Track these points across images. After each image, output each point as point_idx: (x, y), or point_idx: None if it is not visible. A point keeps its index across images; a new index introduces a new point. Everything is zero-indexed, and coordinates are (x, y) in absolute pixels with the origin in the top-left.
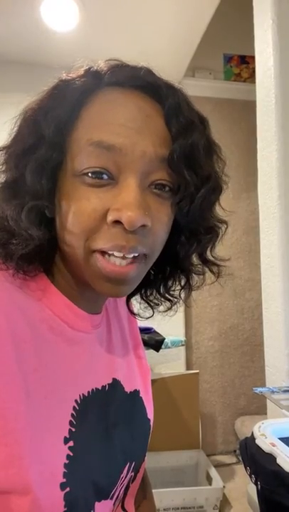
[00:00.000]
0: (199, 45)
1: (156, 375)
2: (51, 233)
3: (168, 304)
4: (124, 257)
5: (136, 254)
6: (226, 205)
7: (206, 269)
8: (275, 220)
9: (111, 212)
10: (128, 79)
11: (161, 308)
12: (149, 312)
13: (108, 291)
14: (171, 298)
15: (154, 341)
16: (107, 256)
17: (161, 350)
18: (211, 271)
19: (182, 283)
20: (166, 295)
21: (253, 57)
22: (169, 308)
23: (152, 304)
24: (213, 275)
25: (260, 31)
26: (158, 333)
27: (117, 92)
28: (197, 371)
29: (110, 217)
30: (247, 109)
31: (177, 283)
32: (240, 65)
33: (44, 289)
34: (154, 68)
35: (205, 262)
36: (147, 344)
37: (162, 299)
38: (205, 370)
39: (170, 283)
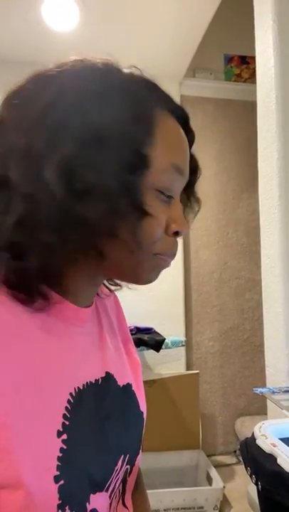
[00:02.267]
0: (200, 46)
1: (157, 375)
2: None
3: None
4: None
5: None
6: (226, 206)
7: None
8: (275, 221)
9: (173, 226)
10: (177, 109)
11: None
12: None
13: (152, 279)
14: None
15: (154, 341)
16: (164, 255)
17: (161, 350)
18: (190, 206)
19: None
20: None
21: (253, 58)
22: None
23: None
24: (192, 211)
25: (261, 32)
26: (158, 333)
27: (173, 120)
28: (197, 371)
29: (173, 230)
30: (247, 110)
31: None
32: (241, 66)
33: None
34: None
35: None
36: (147, 344)
37: None
38: (205, 371)
39: None
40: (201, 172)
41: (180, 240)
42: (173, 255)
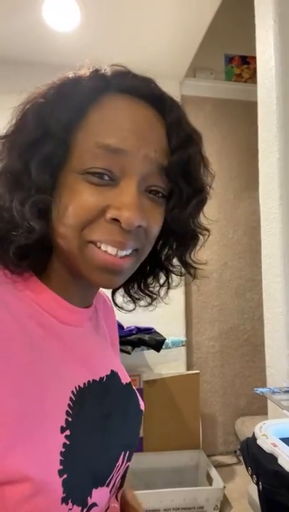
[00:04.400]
0: (200, 46)
1: (157, 375)
2: (48, 226)
3: (148, 299)
4: (117, 252)
5: (129, 252)
6: (226, 206)
7: (184, 271)
8: (276, 221)
9: (111, 210)
10: (137, 88)
11: (142, 303)
12: (131, 306)
13: (102, 281)
14: (151, 294)
15: (154, 341)
16: (103, 247)
17: (161, 350)
18: (189, 272)
19: (161, 281)
20: (146, 291)
21: (254, 58)
22: (150, 304)
23: (134, 298)
24: (191, 276)
25: (262, 32)
26: (159, 333)
27: (124, 99)
28: (198, 371)
29: (109, 215)
30: (248, 110)
31: (157, 280)
32: (242, 66)
33: (33, 288)
34: (157, 81)
35: (184, 263)
36: (148, 344)
37: (142, 294)
38: (205, 371)
39: (150, 280)
40: (192, 148)
41: None
42: (116, 244)
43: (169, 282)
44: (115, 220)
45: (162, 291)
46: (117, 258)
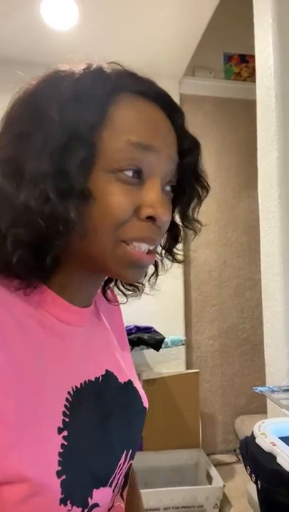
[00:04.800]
0: (199, 44)
1: (157, 374)
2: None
3: (137, 290)
4: (146, 248)
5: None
6: (226, 205)
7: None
8: (275, 219)
9: (145, 209)
10: (148, 91)
11: (130, 293)
12: (122, 299)
13: (132, 277)
14: (139, 285)
15: (154, 341)
16: (132, 245)
17: (161, 349)
18: (192, 228)
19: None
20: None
21: (253, 56)
22: (136, 292)
23: (123, 292)
24: (194, 231)
25: (261, 30)
26: (158, 332)
27: (141, 101)
28: (197, 370)
29: (145, 214)
30: (247, 108)
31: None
32: (240, 64)
33: (33, 288)
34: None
35: (185, 219)
36: (147, 343)
37: (131, 287)
38: (205, 370)
39: None
40: (199, 152)
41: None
42: (148, 241)
43: (157, 272)
44: (150, 217)
45: (151, 281)
46: (145, 254)
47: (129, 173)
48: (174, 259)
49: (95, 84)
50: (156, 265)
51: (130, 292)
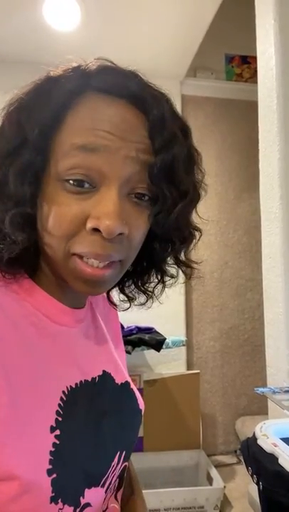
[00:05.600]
0: (201, 45)
1: (157, 375)
2: (34, 235)
3: (144, 297)
4: (99, 264)
5: (111, 261)
6: (227, 205)
7: (176, 273)
8: (276, 220)
9: (90, 220)
10: (115, 87)
11: (138, 302)
12: (126, 304)
13: (85, 291)
14: (146, 291)
15: (155, 341)
16: (85, 259)
17: (162, 350)
18: (184, 272)
19: (157, 279)
20: (142, 288)
21: (254, 58)
22: (145, 302)
23: (129, 297)
24: (185, 277)
25: (262, 31)
26: (159, 333)
27: (103, 99)
28: (198, 371)
29: (89, 225)
30: (248, 110)
31: (152, 278)
32: (242, 65)
33: (26, 289)
34: (141, 71)
35: (178, 263)
36: (148, 344)
37: (138, 292)
38: (206, 371)
39: (145, 278)
40: (199, 199)
41: None
42: (94, 258)
43: (163, 281)
44: (96, 229)
45: (157, 290)
46: (98, 269)
47: (73, 183)
48: (182, 271)
49: (56, 88)
50: (161, 275)
51: (135, 300)
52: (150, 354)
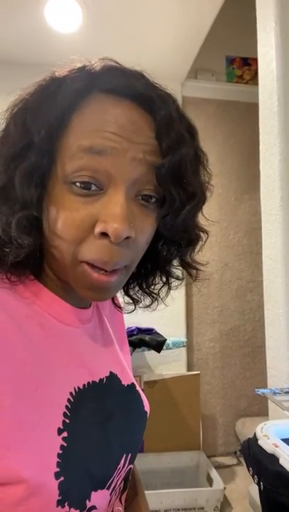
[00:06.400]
0: (202, 47)
1: (157, 376)
2: (40, 238)
3: (149, 299)
4: (105, 271)
5: (117, 268)
6: (227, 207)
7: (182, 275)
8: (277, 222)
9: (98, 225)
10: (122, 88)
11: (142, 304)
12: (131, 307)
13: (91, 297)
14: (151, 294)
15: (155, 342)
16: (92, 266)
17: (162, 351)
18: (189, 274)
19: (162, 281)
20: (147, 290)
21: (255, 59)
22: (150, 305)
23: (134, 300)
24: (191, 278)
25: (263, 34)
26: (159, 334)
27: (109, 100)
28: (198, 372)
29: (98, 230)
30: (249, 111)
31: (157, 280)
32: (243, 67)
33: (32, 289)
34: (147, 72)
35: (184, 265)
36: (149, 345)
37: (143, 294)
38: (206, 372)
39: (150, 280)
40: (205, 201)
41: None
42: (101, 265)
43: (169, 283)
44: (104, 233)
45: (163, 292)
46: (105, 275)
47: (80, 185)
48: (188, 272)
49: (61, 89)
50: (167, 277)
51: (141, 302)
52: (150, 355)
